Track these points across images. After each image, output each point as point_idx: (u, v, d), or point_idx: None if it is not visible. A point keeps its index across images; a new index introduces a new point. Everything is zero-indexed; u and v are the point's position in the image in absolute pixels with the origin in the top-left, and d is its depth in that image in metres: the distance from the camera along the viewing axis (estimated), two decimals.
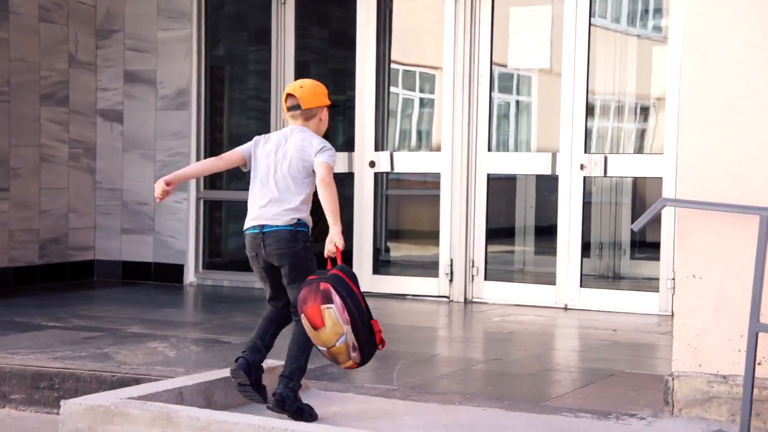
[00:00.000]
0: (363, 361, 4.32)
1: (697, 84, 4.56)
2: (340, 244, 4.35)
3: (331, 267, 4.34)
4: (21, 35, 8.71)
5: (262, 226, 4.48)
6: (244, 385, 4.47)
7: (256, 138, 4.64)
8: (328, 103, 4.63)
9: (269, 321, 4.61)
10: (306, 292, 4.29)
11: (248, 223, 4.55)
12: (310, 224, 4.54)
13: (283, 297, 4.56)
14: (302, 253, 4.45)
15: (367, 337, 4.28)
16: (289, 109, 4.57)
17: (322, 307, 4.23)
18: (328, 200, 4.39)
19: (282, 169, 4.49)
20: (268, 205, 4.48)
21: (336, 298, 4.23)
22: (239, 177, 9.46)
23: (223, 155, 4.73)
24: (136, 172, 9.25)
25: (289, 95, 4.57)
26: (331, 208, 4.38)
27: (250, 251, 4.55)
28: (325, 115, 4.62)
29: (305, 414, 4.43)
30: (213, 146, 9.26)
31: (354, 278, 4.34)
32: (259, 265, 4.56)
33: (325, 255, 4.39)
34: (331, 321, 4.23)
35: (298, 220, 4.46)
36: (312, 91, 4.58)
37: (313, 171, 4.46)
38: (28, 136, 8.80)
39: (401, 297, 8.26)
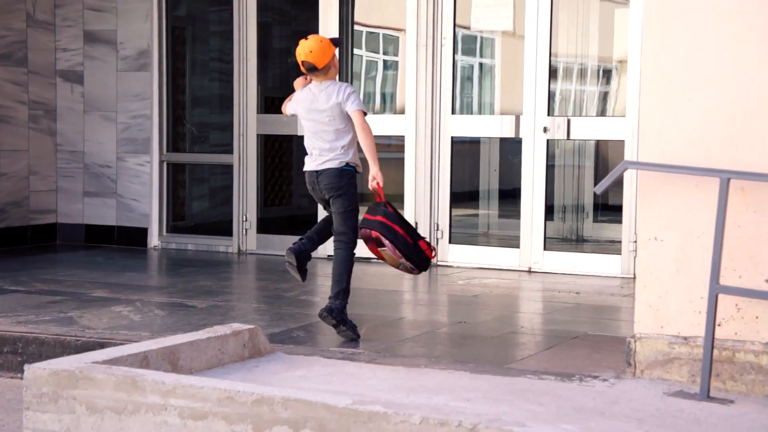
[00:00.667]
0: (422, 269, 5.47)
1: (656, 46, 4.59)
2: (380, 180, 5.33)
3: (378, 200, 5.34)
4: None
5: (317, 172, 5.45)
6: (292, 265, 5.51)
7: (295, 95, 5.55)
8: (334, 49, 5.45)
9: (327, 222, 5.59)
10: (364, 237, 5.37)
11: (306, 165, 5.53)
12: (358, 162, 5.52)
13: None
14: (347, 184, 5.45)
15: (420, 258, 5.39)
16: (308, 71, 5.44)
17: (379, 249, 5.38)
18: (366, 143, 5.34)
19: (326, 121, 5.43)
20: (321, 154, 5.44)
21: (386, 242, 5.32)
22: (202, 140, 9.42)
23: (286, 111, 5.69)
24: (98, 134, 9.16)
25: (302, 61, 5.41)
26: (368, 150, 5.33)
27: (309, 188, 5.54)
28: (335, 60, 5.48)
29: (348, 325, 5.40)
30: (175, 108, 9.19)
31: (397, 219, 5.34)
32: (317, 196, 5.56)
33: (369, 188, 5.39)
34: (388, 257, 5.41)
35: (347, 163, 5.45)
36: (320, 50, 5.39)
37: (349, 116, 5.40)
38: None
39: (366, 260, 8.27)
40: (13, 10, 8.87)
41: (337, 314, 5.38)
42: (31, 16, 9.04)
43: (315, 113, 5.46)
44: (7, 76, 8.85)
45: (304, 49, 5.40)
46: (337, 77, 5.57)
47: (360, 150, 5.50)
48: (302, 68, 5.45)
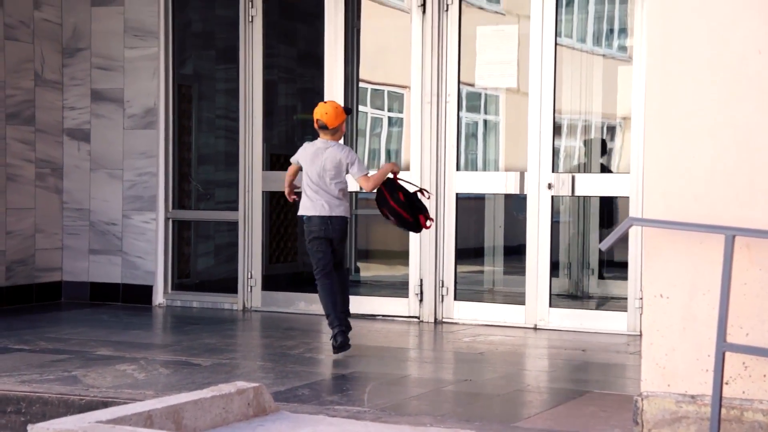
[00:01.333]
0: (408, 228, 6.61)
1: (659, 102, 4.61)
2: (396, 168, 6.54)
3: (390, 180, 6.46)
4: None
5: (330, 217, 6.41)
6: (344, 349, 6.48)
7: (302, 147, 6.47)
8: (345, 117, 6.46)
9: (336, 293, 6.51)
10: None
11: (309, 211, 6.42)
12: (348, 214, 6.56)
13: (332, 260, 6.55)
14: (347, 230, 6.56)
15: (417, 226, 6.50)
16: (320, 128, 6.40)
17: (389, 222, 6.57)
18: (375, 185, 6.45)
19: (330, 176, 6.41)
20: (326, 198, 6.40)
21: (390, 218, 6.48)
22: (207, 197, 9.45)
23: (288, 171, 6.67)
24: (104, 191, 9.20)
25: (317, 119, 6.39)
26: (379, 181, 6.43)
27: (318, 229, 6.43)
28: (343, 126, 6.49)
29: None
30: (181, 165, 9.23)
31: (395, 197, 6.39)
32: (321, 240, 6.44)
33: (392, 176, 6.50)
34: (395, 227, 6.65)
35: (348, 214, 6.53)
36: (334, 114, 6.41)
37: (346, 171, 6.43)
38: None
39: (371, 317, 8.25)
40: (21, 70, 8.96)
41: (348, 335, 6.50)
42: (40, 75, 9.12)
43: (319, 167, 6.41)
44: (15, 134, 8.91)
45: (321, 110, 6.39)
46: (342, 140, 6.54)
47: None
48: (315, 125, 6.40)
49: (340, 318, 6.47)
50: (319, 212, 6.43)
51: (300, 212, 6.55)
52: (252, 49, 8.74)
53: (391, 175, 6.49)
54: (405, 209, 6.41)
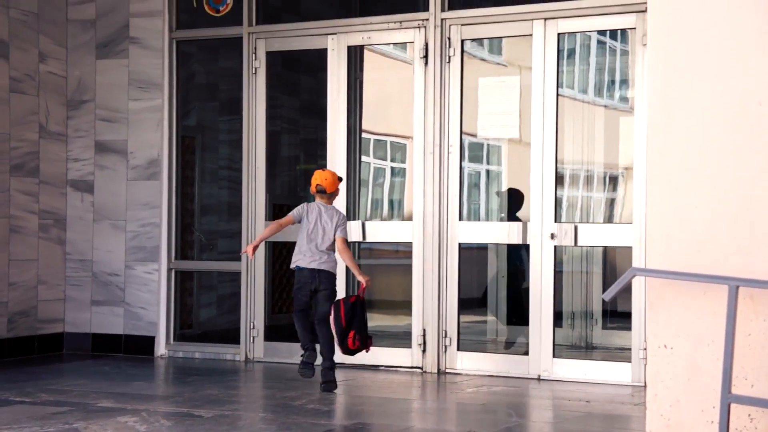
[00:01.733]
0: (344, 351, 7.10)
1: (661, 153, 4.62)
2: (365, 280, 7.07)
3: (355, 297, 7.09)
4: None
5: (318, 270, 7.09)
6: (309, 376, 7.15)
7: (303, 205, 7.21)
8: (338, 184, 7.29)
9: (312, 330, 7.22)
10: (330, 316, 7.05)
11: (302, 263, 7.12)
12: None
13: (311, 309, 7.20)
14: (334, 285, 7.22)
15: (343, 343, 7.05)
16: (318, 192, 7.21)
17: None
18: (349, 259, 7.17)
19: (323, 234, 7.13)
20: (317, 254, 7.10)
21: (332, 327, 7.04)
22: (210, 247, 9.45)
23: (281, 221, 7.29)
24: (107, 242, 9.21)
25: (317, 184, 7.20)
26: (352, 264, 7.16)
27: (306, 280, 7.11)
28: (338, 191, 7.33)
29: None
30: (184, 216, 9.25)
31: (349, 311, 7.00)
32: (308, 290, 7.11)
33: (361, 290, 7.08)
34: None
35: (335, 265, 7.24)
36: (332, 180, 7.24)
37: (334, 231, 7.16)
38: None
39: (374, 368, 8.21)
40: (26, 122, 9.01)
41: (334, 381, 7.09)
42: (44, 127, 9.18)
43: (320, 225, 7.14)
44: (19, 186, 8.94)
45: (321, 177, 7.21)
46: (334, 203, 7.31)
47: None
48: (314, 189, 7.20)
49: (314, 342, 7.17)
50: (310, 265, 7.10)
51: (293, 264, 7.20)
52: (255, 100, 8.80)
53: (362, 279, 7.05)
54: (345, 324, 7.02)
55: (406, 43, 8.39)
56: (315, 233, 7.12)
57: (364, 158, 8.94)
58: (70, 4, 9.36)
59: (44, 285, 9.14)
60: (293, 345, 8.19)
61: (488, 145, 8.58)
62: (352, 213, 8.56)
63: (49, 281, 9.19)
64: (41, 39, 9.15)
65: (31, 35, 9.06)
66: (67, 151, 9.35)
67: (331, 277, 7.15)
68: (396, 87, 8.70)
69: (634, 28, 7.57)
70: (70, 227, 9.34)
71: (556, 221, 7.79)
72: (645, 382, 6.76)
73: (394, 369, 8.17)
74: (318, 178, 7.24)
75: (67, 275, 9.32)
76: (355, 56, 8.70)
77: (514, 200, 8.27)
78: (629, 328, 7.51)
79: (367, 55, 8.84)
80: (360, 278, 7.06)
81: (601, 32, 8.05)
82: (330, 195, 7.25)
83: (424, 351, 8.11)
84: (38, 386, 7.32)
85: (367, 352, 7.13)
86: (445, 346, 8.06)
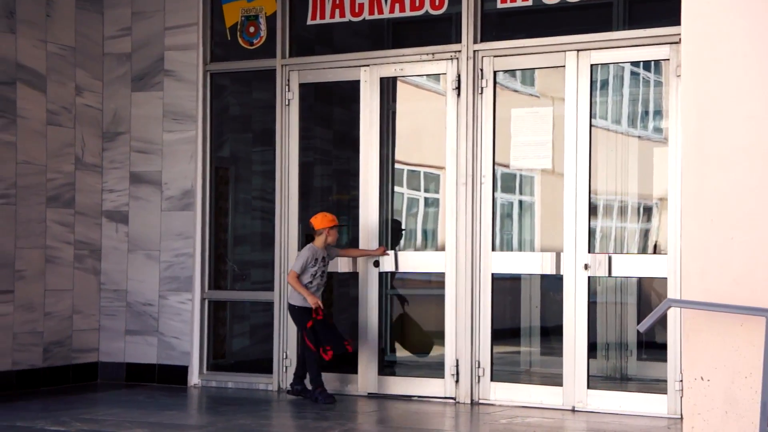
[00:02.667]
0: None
1: (697, 185, 4.61)
2: (313, 303, 8.03)
3: (311, 320, 8.04)
4: (28, 138, 8.82)
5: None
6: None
7: (312, 253, 8.20)
8: (329, 225, 8.19)
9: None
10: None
11: (317, 299, 8.10)
12: (298, 303, 8.17)
13: None
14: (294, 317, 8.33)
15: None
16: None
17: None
18: (290, 281, 8.22)
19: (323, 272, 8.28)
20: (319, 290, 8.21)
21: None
22: (243, 277, 9.49)
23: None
24: (141, 272, 9.27)
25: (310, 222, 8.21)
26: (293, 286, 8.16)
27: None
28: (331, 232, 8.20)
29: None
30: (218, 246, 9.30)
31: (307, 337, 8.06)
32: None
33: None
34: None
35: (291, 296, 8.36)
36: (320, 219, 8.18)
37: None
38: (33, 237, 8.84)
39: (407, 398, 8.19)
40: (63, 154, 9.12)
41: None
42: (80, 159, 9.28)
43: (321, 264, 8.21)
44: (55, 217, 9.04)
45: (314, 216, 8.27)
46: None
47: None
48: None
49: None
50: (317, 299, 8.13)
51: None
52: (288, 131, 8.85)
53: (312, 304, 7.99)
54: (314, 348, 7.98)
55: (438, 74, 8.43)
56: (320, 271, 8.24)
57: (397, 188, 8.96)
58: (106, 38, 9.49)
59: (79, 315, 9.21)
60: (326, 375, 8.20)
61: (521, 175, 8.57)
62: (384, 243, 8.56)
63: (83, 311, 9.25)
64: (78, 72, 9.27)
65: (68, 69, 9.19)
66: (102, 182, 9.45)
67: (288, 307, 8.26)
68: (429, 118, 8.73)
69: (668, 59, 7.56)
70: (104, 257, 9.41)
71: (589, 252, 7.76)
72: (681, 414, 6.69)
73: (427, 399, 8.15)
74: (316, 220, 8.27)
75: (101, 305, 9.39)
76: (388, 87, 8.74)
77: (394, 232, 8.54)
78: (664, 360, 7.45)
79: (400, 87, 8.89)
80: (311, 303, 7.98)
81: (635, 63, 8.04)
82: (317, 232, 8.20)
83: (457, 381, 8.08)
84: (73, 415, 7.36)
85: (350, 351, 8.05)
86: (479, 377, 8.03)
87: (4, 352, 8.55)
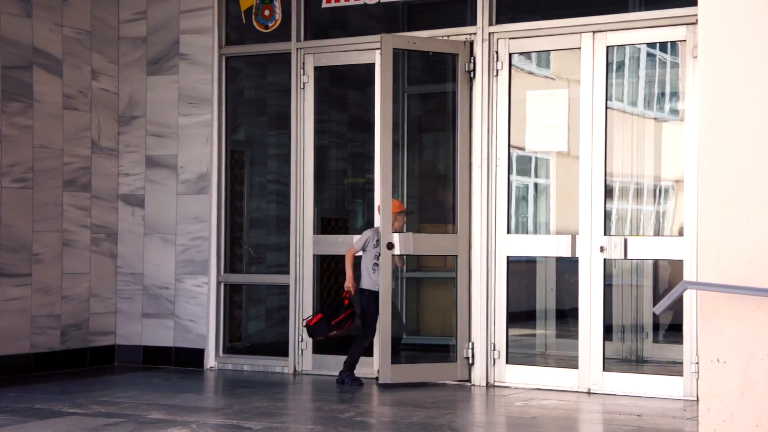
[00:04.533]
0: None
1: (713, 166, 4.59)
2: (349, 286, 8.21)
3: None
4: (44, 122, 8.85)
5: None
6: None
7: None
8: (396, 210, 8.10)
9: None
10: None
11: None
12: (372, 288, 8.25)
13: None
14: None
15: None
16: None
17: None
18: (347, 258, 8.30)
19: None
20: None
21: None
22: (259, 261, 9.51)
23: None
24: (157, 256, 9.31)
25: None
26: (346, 265, 8.28)
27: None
28: (398, 218, 8.14)
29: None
30: (233, 229, 9.32)
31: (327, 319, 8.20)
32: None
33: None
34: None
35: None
36: (396, 204, 8.14)
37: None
38: (50, 221, 8.88)
39: (422, 382, 8.21)
40: (79, 138, 9.15)
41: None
42: (96, 143, 9.31)
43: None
44: (72, 201, 9.08)
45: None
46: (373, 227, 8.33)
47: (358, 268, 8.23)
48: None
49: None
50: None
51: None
52: (303, 115, 8.86)
53: (350, 286, 8.12)
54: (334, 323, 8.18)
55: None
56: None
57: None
58: (121, 22, 9.50)
59: (96, 298, 9.26)
60: (341, 358, 8.23)
61: (536, 158, 8.55)
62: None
63: (100, 294, 9.30)
64: (94, 56, 9.29)
65: (84, 53, 9.21)
66: (118, 166, 9.48)
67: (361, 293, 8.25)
68: (444, 101, 8.71)
69: (684, 41, 7.52)
70: (121, 241, 9.46)
71: (605, 234, 7.75)
72: (697, 397, 6.69)
73: (442, 382, 8.16)
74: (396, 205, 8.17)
75: (118, 288, 9.44)
76: (402, 71, 8.73)
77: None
78: (680, 342, 7.44)
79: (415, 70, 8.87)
80: (346, 284, 8.19)
81: (651, 45, 8.00)
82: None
83: (472, 364, 8.09)
84: (90, 398, 7.41)
85: (324, 339, 8.34)
86: (494, 359, 8.04)
87: (22, 335, 8.62)
